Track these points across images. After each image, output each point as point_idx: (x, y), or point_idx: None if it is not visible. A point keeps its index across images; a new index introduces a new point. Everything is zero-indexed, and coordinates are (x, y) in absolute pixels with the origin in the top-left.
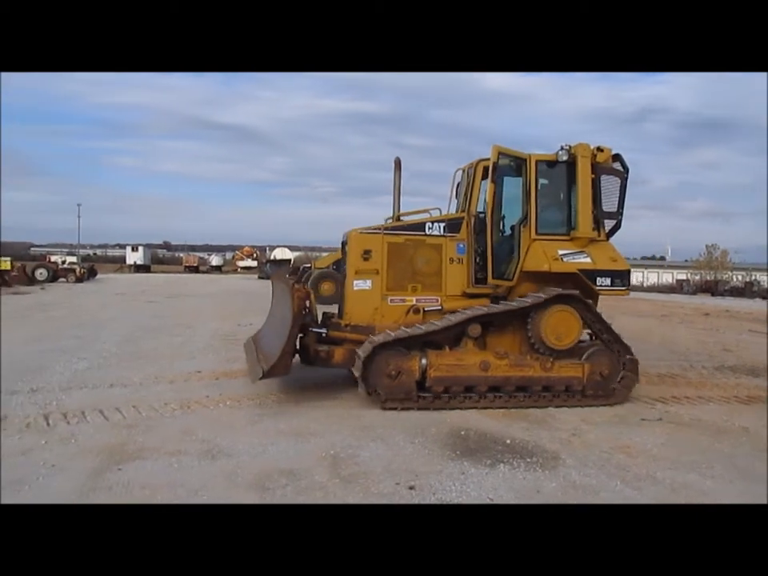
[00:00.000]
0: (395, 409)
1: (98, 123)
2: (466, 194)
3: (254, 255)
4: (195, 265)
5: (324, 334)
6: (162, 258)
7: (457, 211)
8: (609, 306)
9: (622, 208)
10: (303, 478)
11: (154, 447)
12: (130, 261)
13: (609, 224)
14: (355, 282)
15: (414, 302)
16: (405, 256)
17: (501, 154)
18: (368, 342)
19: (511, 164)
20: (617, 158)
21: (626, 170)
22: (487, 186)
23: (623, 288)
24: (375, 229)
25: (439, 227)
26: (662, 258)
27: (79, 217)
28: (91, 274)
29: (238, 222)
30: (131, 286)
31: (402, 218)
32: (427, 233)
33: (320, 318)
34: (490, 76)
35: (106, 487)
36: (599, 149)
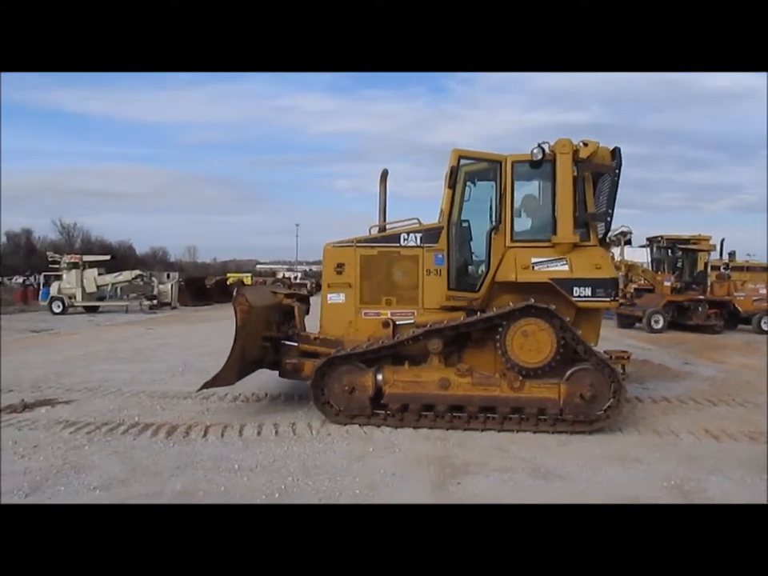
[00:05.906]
0: (346, 424)
1: (318, 150)
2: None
3: None
4: None
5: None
6: None
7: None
8: None
9: (612, 208)
10: None
11: (478, 462)
12: None
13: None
14: (329, 295)
15: (389, 316)
16: (379, 269)
17: (463, 157)
18: (324, 357)
19: (484, 167)
20: (614, 153)
21: (618, 165)
22: (444, 191)
23: (607, 299)
24: (349, 242)
25: (416, 238)
26: None
27: (297, 236)
28: (318, 288)
29: None
30: None
31: (387, 229)
32: (402, 244)
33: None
34: (713, 75)
35: (458, 500)
36: (584, 143)
